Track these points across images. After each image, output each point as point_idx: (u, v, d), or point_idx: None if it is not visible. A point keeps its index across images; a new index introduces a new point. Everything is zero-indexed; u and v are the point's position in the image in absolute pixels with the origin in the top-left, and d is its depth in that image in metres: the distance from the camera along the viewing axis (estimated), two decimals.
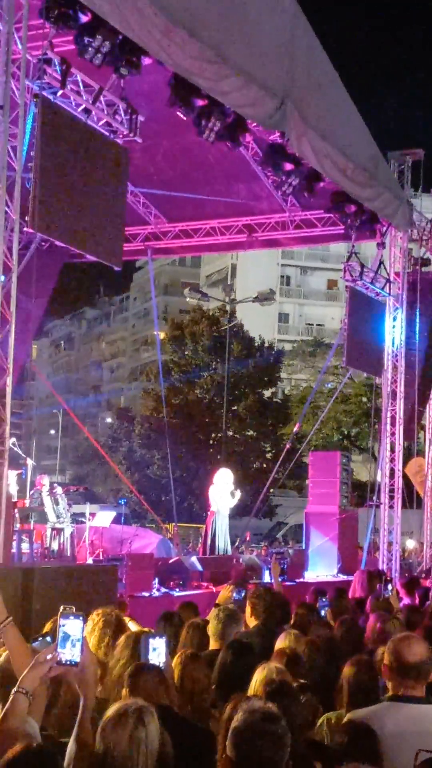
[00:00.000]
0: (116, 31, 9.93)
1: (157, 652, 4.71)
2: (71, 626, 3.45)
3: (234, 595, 7.79)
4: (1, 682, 4.12)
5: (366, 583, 12.04)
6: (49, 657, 3.46)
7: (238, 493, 17.18)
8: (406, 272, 18.02)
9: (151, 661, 4.66)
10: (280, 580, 13.62)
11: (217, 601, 7.55)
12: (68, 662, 3.43)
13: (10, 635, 3.96)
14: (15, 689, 3.43)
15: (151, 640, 4.75)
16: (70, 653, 3.43)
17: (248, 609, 7.51)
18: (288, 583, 15.14)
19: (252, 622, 7.45)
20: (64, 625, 3.44)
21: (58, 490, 15.07)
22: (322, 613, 8.64)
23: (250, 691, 4.60)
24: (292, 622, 7.78)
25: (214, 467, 21.73)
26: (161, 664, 4.71)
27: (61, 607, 3.80)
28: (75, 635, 3.44)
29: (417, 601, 11.19)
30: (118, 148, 11.84)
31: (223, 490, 17.06)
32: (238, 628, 6.85)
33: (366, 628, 7.58)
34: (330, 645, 5.85)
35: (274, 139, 13.35)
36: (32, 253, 14.10)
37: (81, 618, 3.50)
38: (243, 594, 8.04)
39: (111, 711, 3.40)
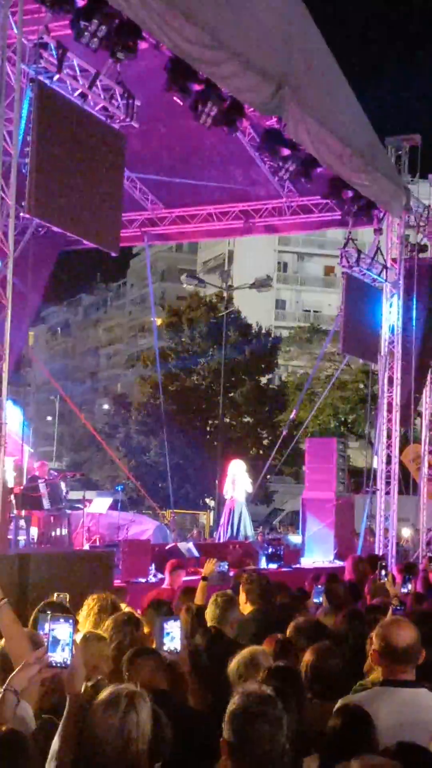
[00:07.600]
0: (113, 15, 9.88)
1: (170, 636, 4.66)
2: (61, 630, 3.45)
3: (217, 568, 7.87)
4: (2, 666, 4.15)
5: (353, 567, 12.09)
6: (39, 659, 3.47)
7: (242, 480, 17.74)
8: (403, 258, 17.99)
9: (166, 647, 4.63)
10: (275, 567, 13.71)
11: (204, 574, 7.67)
12: (58, 665, 3.44)
13: (5, 617, 3.97)
14: (4, 687, 3.46)
15: (165, 625, 4.70)
16: (60, 656, 3.44)
17: (242, 595, 7.54)
18: (284, 569, 15.20)
19: (247, 608, 7.47)
20: (54, 629, 3.44)
21: (54, 475, 15.07)
22: (319, 599, 8.65)
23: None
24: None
25: (210, 454, 21.75)
26: (176, 650, 4.67)
27: (54, 595, 3.80)
28: (65, 639, 3.44)
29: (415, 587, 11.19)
30: (114, 133, 11.78)
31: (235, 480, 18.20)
32: (236, 614, 6.87)
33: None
34: (317, 629, 5.84)
35: (271, 125, 13.29)
36: (28, 238, 14.04)
37: (70, 621, 3.50)
38: (226, 566, 8.16)
39: (102, 696, 3.40)
